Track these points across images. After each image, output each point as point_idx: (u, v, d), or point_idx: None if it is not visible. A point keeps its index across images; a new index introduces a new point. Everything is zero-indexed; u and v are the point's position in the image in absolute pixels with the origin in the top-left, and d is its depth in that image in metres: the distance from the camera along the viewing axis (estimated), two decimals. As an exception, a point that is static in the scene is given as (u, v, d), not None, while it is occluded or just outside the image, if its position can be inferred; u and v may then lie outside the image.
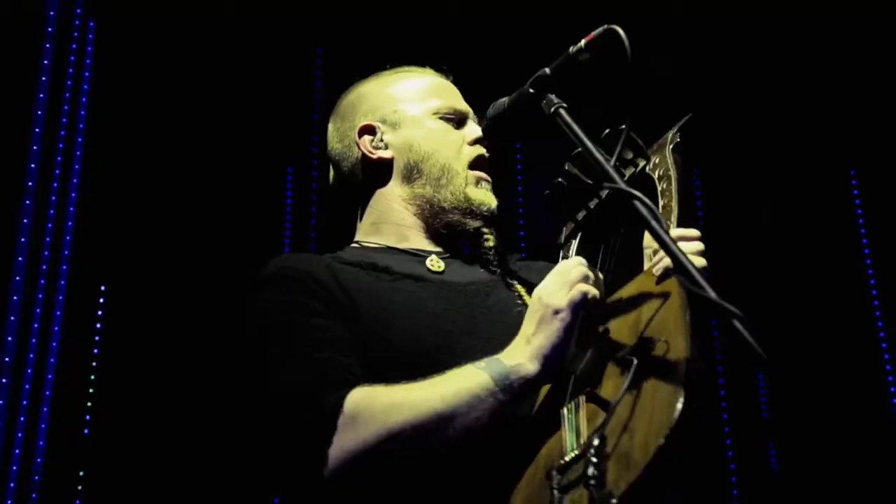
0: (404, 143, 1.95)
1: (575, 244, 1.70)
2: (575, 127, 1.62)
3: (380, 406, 1.53)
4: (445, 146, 1.94)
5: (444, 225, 1.92)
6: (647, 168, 1.67)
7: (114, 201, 4.02)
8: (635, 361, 1.39)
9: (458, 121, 1.99)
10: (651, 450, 1.27)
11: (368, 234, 1.97)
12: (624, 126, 1.60)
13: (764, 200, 4.92)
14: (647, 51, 1.60)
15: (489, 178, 1.96)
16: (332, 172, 2.07)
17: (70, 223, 3.73)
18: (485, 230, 1.93)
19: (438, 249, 1.93)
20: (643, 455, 1.28)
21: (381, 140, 1.96)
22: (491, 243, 1.93)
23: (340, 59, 4.64)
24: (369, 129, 1.98)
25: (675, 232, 1.59)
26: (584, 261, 1.60)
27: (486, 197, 1.93)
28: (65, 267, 3.63)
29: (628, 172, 1.68)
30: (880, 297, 4.85)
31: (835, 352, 4.64)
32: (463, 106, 2.02)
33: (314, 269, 1.75)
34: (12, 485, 3.43)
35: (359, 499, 1.57)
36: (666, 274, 1.53)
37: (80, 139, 3.90)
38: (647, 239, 1.69)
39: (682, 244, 1.46)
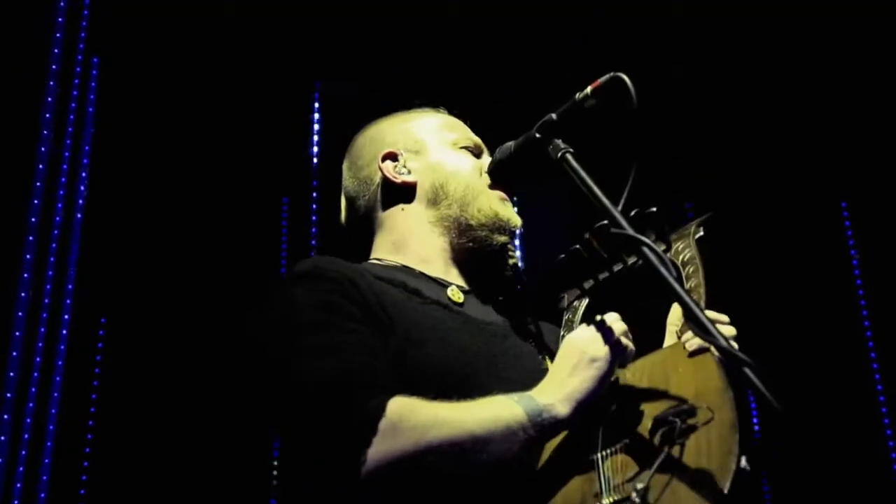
0: (427, 167, 1.97)
1: (581, 311, 1.74)
2: (582, 172, 1.64)
3: (423, 418, 1.52)
4: (467, 169, 1.97)
5: (471, 240, 1.92)
6: (669, 254, 1.68)
7: (116, 234, 4.06)
8: (678, 422, 1.43)
9: (476, 152, 2.02)
10: None
11: (388, 252, 1.95)
12: (657, 209, 1.60)
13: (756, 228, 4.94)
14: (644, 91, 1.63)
15: (510, 198, 1.99)
16: (343, 212, 2.08)
17: (73, 257, 3.75)
18: (510, 247, 1.94)
19: (458, 282, 1.93)
20: None
21: (405, 166, 1.97)
22: (514, 261, 1.93)
23: (339, 91, 4.68)
24: (392, 156, 1.99)
25: (709, 315, 1.59)
26: (619, 317, 1.62)
27: (512, 214, 1.96)
28: (69, 301, 3.65)
29: None
30: (873, 327, 4.88)
31: (828, 383, 4.65)
32: (477, 139, 2.05)
33: (353, 274, 1.73)
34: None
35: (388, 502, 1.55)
36: (700, 350, 1.56)
37: (83, 174, 3.94)
38: (672, 315, 1.73)
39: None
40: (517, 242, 2.00)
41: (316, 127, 4.70)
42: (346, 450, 1.51)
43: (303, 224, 4.61)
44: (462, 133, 2.03)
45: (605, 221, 1.59)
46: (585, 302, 1.78)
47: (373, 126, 2.08)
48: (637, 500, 1.36)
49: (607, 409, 1.58)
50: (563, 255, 1.67)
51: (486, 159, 2.00)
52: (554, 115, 1.74)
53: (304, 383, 1.57)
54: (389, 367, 1.62)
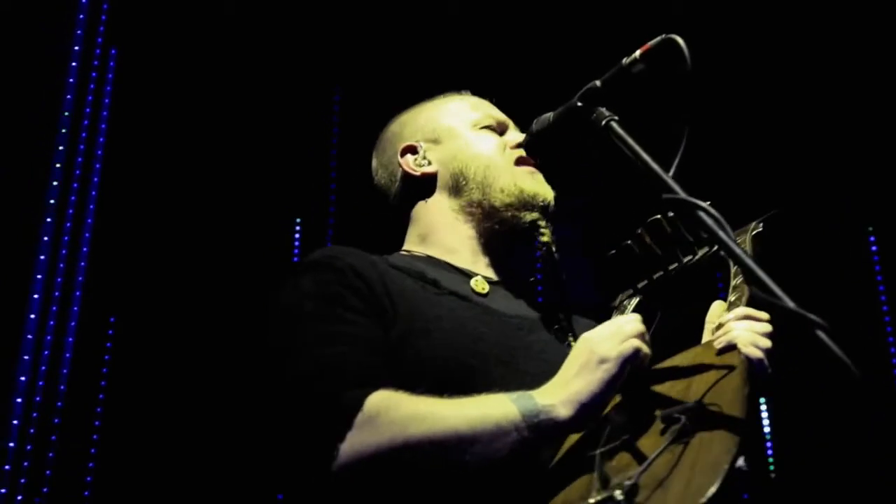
0: (447, 155, 1.92)
1: (630, 309, 1.67)
2: (629, 140, 1.54)
3: (402, 413, 1.46)
4: (487, 149, 1.91)
5: (497, 222, 1.86)
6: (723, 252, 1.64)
7: (127, 238, 4.04)
8: (683, 419, 1.36)
9: (499, 130, 1.96)
10: None
11: (416, 244, 1.92)
12: (708, 203, 1.47)
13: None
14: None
15: (539, 171, 1.91)
16: (382, 203, 2.04)
17: (85, 249, 3.75)
18: (541, 223, 1.86)
19: (486, 272, 1.86)
20: None
21: (424, 157, 1.94)
22: (547, 238, 1.85)
23: (355, 118, 4.63)
24: (411, 149, 1.96)
25: (745, 310, 1.56)
26: (640, 318, 1.54)
27: (541, 188, 1.88)
28: (78, 293, 3.62)
29: (701, 252, 1.66)
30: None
31: (853, 417, 4.56)
32: (502, 116, 1.99)
33: (360, 264, 1.68)
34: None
35: (361, 500, 1.49)
36: (728, 347, 1.49)
37: (95, 178, 3.93)
38: (710, 314, 1.66)
39: (751, 324, 1.50)
40: (548, 220, 1.88)
41: (335, 140, 4.64)
42: (319, 442, 1.46)
43: (317, 243, 4.55)
44: (484, 112, 1.98)
45: (658, 216, 1.53)
46: (636, 301, 1.71)
47: (396, 120, 2.06)
48: (619, 498, 1.29)
49: (626, 405, 1.51)
50: (612, 251, 1.59)
51: (513, 134, 1.95)
52: (598, 82, 1.63)
53: (290, 374, 1.54)
54: (383, 360, 1.56)
